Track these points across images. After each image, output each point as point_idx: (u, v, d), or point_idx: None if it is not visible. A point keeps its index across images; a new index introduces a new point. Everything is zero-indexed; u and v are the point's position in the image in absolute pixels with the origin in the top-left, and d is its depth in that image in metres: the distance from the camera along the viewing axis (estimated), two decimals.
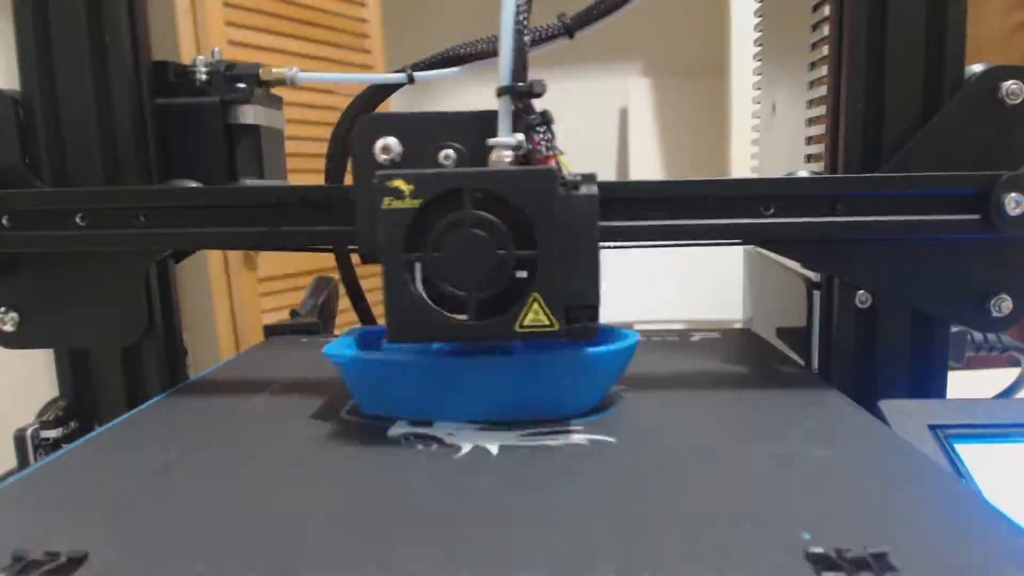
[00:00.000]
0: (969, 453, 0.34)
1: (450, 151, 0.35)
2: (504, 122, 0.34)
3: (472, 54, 0.41)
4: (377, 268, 0.33)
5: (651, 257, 1.06)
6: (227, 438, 0.34)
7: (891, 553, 0.21)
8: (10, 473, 0.38)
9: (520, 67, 0.34)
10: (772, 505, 0.25)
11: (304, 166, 0.77)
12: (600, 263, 0.33)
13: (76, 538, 0.24)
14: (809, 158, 0.45)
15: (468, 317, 0.32)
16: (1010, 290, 0.39)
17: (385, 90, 0.46)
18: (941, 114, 0.38)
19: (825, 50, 0.41)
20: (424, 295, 0.32)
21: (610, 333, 0.37)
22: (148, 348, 0.43)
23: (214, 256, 1.38)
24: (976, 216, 0.37)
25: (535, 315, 0.32)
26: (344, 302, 0.60)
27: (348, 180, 0.47)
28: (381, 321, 0.36)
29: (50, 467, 0.31)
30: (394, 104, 0.50)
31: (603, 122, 2.12)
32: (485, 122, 0.35)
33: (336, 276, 0.58)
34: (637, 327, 0.41)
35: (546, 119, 0.34)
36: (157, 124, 0.42)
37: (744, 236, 0.39)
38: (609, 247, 0.39)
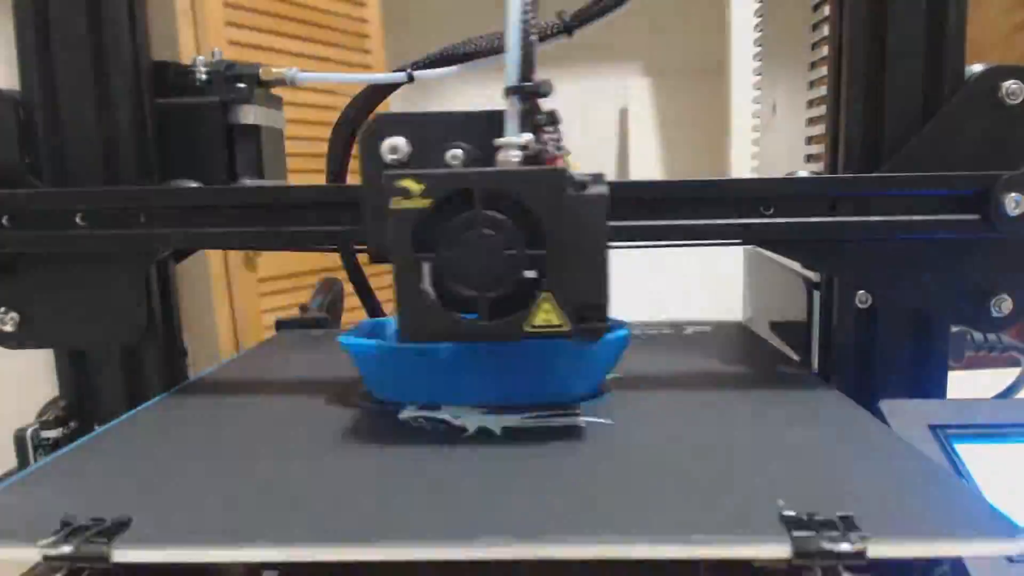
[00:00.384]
0: (969, 453, 0.34)
1: (458, 151, 0.35)
2: (512, 122, 0.34)
3: (472, 52, 0.41)
4: (383, 268, 0.33)
5: (651, 257, 1.06)
6: (246, 422, 0.37)
7: (857, 517, 0.24)
8: (10, 473, 0.38)
9: (528, 66, 0.34)
10: (754, 479, 0.28)
11: (304, 166, 0.77)
12: (609, 263, 0.33)
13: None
14: (809, 158, 0.45)
15: (480, 317, 0.32)
16: (1010, 290, 0.39)
17: (385, 89, 0.46)
18: (941, 114, 0.38)
19: (825, 50, 0.41)
20: (434, 295, 0.32)
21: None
22: (148, 348, 0.43)
23: (214, 256, 1.37)
24: (976, 216, 0.37)
25: (545, 315, 0.32)
26: (350, 301, 0.60)
27: (349, 180, 0.47)
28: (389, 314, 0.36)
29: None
30: (394, 104, 0.50)
31: (603, 122, 2.12)
32: (493, 122, 0.35)
33: (341, 277, 0.58)
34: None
35: (553, 119, 0.34)
36: (157, 124, 0.42)
37: (744, 236, 0.39)
38: (609, 247, 0.39)
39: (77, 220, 0.40)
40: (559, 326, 0.32)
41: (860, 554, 0.22)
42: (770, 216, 0.38)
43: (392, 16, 1.80)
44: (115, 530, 0.24)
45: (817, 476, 0.28)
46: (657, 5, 1.99)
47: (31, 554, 0.24)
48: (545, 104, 0.34)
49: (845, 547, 0.23)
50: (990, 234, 0.37)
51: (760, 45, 0.60)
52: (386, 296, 0.39)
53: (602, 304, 0.32)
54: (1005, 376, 0.47)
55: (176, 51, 1.34)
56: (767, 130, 0.57)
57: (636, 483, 0.28)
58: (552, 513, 0.26)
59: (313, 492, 0.28)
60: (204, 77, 0.43)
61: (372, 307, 0.55)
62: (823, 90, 0.42)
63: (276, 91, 0.46)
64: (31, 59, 0.40)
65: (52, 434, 0.41)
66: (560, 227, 0.31)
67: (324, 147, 0.48)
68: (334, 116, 0.48)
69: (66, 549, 0.23)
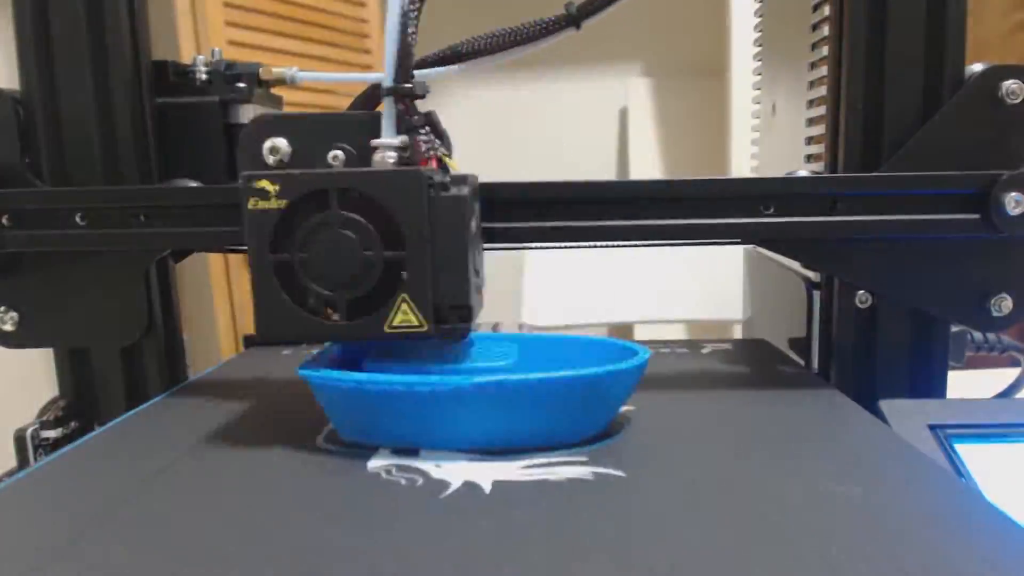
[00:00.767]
0: (969, 453, 0.34)
1: (339, 152, 0.36)
2: (388, 123, 0.34)
3: (472, 52, 0.41)
4: None
5: (651, 257, 1.06)
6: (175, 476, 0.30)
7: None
8: (10, 473, 0.38)
9: (405, 67, 0.34)
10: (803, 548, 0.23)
11: None
12: (470, 264, 0.33)
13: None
14: (809, 158, 0.45)
15: (339, 317, 0.32)
16: (1010, 290, 0.39)
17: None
18: (941, 114, 0.38)
19: (825, 50, 0.41)
20: (287, 296, 0.32)
21: (619, 349, 0.35)
22: (148, 348, 0.43)
23: (214, 256, 1.37)
24: (976, 216, 0.37)
25: (404, 316, 0.32)
26: None
27: None
28: None
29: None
30: None
31: (603, 122, 2.12)
32: (374, 123, 0.35)
33: None
34: (637, 327, 0.41)
35: (431, 120, 0.35)
36: (157, 124, 0.42)
37: (744, 236, 0.39)
38: (609, 247, 0.39)
39: (77, 220, 0.40)
40: (419, 326, 0.32)
41: None
42: (770, 216, 0.38)
43: None
44: None
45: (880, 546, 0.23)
46: (657, 5, 1.99)
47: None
48: (423, 105, 0.35)
49: None
50: (990, 234, 0.37)
51: (760, 45, 0.60)
52: None
53: (466, 305, 0.33)
54: (1005, 376, 0.47)
55: (176, 51, 1.34)
56: (767, 130, 0.57)
57: (651, 560, 0.22)
58: None
59: None
60: (204, 77, 0.43)
61: None
62: (823, 90, 0.42)
63: (276, 91, 0.46)
64: (31, 59, 0.40)
65: (52, 434, 0.41)
66: (419, 228, 0.31)
67: None
68: None
69: None
